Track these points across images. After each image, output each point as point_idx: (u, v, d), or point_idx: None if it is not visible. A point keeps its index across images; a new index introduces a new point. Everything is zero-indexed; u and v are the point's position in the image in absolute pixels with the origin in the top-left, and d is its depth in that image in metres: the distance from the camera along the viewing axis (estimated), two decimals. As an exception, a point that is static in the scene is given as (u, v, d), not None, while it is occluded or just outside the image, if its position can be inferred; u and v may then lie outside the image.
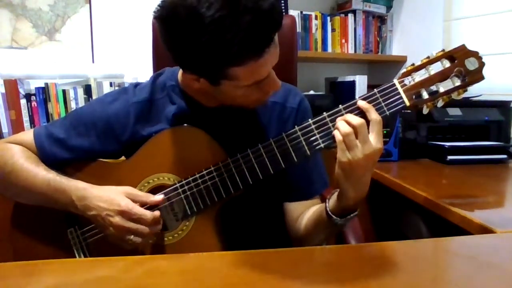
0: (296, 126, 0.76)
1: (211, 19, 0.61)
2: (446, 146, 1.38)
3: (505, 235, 0.76)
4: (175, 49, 0.69)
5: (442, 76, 0.74)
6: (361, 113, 0.72)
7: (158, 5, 0.66)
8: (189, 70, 0.73)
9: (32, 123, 1.72)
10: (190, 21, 0.62)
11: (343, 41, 2.25)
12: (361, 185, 0.72)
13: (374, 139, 0.69)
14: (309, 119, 0.76)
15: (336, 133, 0.70)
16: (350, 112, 0.73)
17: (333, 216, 0.75)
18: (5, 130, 1.67)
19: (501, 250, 0.70)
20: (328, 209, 0.77)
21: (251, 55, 0.66)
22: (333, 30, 2.24)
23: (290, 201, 0.91)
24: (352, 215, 0.76)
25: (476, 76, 0.74)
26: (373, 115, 0.70)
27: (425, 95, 0.74)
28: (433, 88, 0.75)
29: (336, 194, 0.76)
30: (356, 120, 0.69)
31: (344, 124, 0.69)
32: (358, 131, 0.68)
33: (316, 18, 2.18)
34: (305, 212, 0.88)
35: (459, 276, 0.62)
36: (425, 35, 2.12)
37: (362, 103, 0.72)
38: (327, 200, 0.78)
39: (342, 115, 0.73)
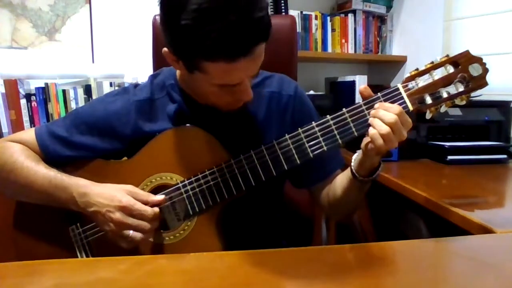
0: (299, 129, 0.76)
1: (196, 7, 0.62)
2: (446, 146, 1.38)
3: (505, 235, 0.76)
4: (162, 24, 0.71)
5: (445, 81, 0.75)
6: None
7: None
8: (170, 48, 0.74)
9: (32, 123, 1.71)
10: (177, 2, 0.64)
11: (343, 41, 2.25)
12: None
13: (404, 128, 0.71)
14: (313, 122, 0.76)
15: (373, 133, 0.71)
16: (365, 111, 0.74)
17: (364, 178, 0.79)
18: (5, 130, 1.67)
19: (501, 250, 0.70)
20: (356, 174, 0.79)
21: (223, 55, 0.66)
22: (333, 30, 2.23)
23: (308, 185, 0.93)
24: (379, 170, 0.79)
25: (480, 82, 0.74)
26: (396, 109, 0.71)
27: (428, 100, 0.75)
28: (437, 93, 0.75)
29: (358, 160, 0.78)
30: (390, 117, 0.70)
31: (381, 124, 0.70)
32: (394, 128, 0.69)
33: (316, 18, 2.18)
34: (332, 185, 0.89)
35: (459, 276, 0.63)
36: (425, 35, 2.12)
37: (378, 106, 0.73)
38: (351, 167, 0.80)
39: (346, 118, 0.74)
